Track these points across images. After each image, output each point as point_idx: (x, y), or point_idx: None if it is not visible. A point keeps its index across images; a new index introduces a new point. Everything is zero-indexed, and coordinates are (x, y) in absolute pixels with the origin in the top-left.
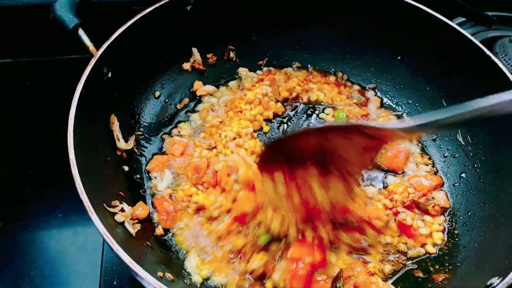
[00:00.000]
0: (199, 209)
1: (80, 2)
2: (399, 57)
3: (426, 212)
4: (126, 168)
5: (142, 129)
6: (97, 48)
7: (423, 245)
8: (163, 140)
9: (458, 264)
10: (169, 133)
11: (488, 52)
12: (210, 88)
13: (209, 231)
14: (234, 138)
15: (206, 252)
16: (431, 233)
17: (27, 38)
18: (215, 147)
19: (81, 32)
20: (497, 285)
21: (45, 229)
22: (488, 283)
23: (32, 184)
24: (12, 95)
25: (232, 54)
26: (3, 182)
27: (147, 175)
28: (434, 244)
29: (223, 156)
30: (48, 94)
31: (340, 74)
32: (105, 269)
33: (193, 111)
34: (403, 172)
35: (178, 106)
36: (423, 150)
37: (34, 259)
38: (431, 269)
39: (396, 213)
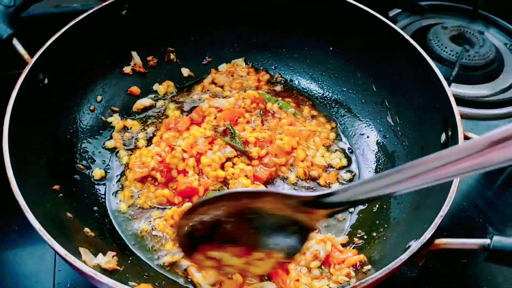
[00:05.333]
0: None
1: (14, 13)
2: (331, 48)
3: None
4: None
5: (83, 135)
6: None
7: None
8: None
9: (389, 235)
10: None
11: (411, 41)
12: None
13: None
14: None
15: None
16: None
17: None
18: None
19: (15, 42)
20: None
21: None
22: (407, 245)
23: None
24: None
25: (172, 56)
26: None
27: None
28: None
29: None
30: None
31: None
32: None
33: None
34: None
35: (115, 108)
36: None
37: None
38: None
39: None
